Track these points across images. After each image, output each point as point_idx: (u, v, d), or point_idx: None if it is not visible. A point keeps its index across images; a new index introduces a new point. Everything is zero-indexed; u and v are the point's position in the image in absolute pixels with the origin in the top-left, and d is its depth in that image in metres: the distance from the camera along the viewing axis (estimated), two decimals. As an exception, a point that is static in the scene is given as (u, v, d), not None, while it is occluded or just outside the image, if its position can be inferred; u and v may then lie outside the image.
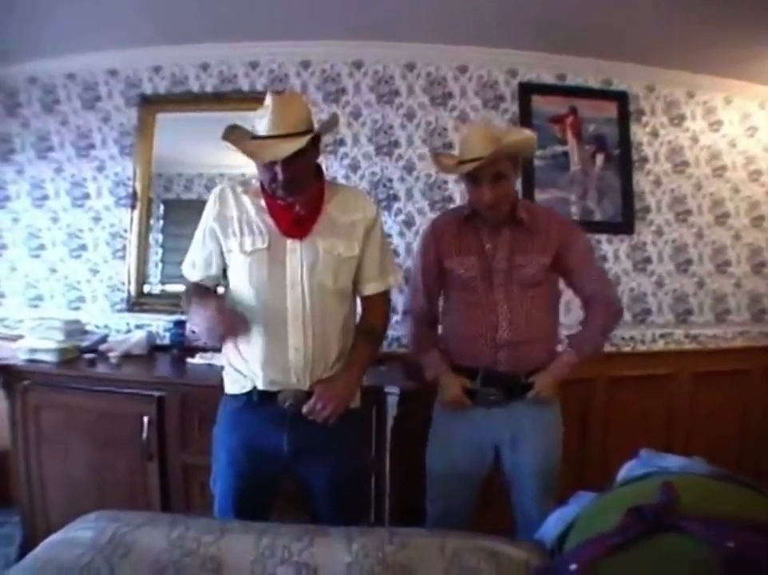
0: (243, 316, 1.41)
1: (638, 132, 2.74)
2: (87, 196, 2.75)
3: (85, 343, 2.44)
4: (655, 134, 2.76)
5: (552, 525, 1.32)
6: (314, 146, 1.39)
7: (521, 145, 1.59)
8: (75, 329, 2.45)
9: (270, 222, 1.42)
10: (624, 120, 2.71)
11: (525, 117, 2.61)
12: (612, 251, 2.68)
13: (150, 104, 2.68)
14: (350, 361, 1.48)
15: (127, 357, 2.33)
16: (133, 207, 2.66)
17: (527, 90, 2.64)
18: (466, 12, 2.28)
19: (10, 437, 2.18)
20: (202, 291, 1.49)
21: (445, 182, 2.61)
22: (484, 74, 2.63)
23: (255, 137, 1.36)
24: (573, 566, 0.95)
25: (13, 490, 2.24)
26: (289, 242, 1.41)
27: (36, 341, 2.27)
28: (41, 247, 2.76)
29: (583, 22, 2.31)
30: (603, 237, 2.67)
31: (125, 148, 2.70)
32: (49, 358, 2.22)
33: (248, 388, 1.45)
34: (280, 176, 1.34)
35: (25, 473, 2.18)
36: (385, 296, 1.57)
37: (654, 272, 2.71)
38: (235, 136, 1.39)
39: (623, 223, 2.68)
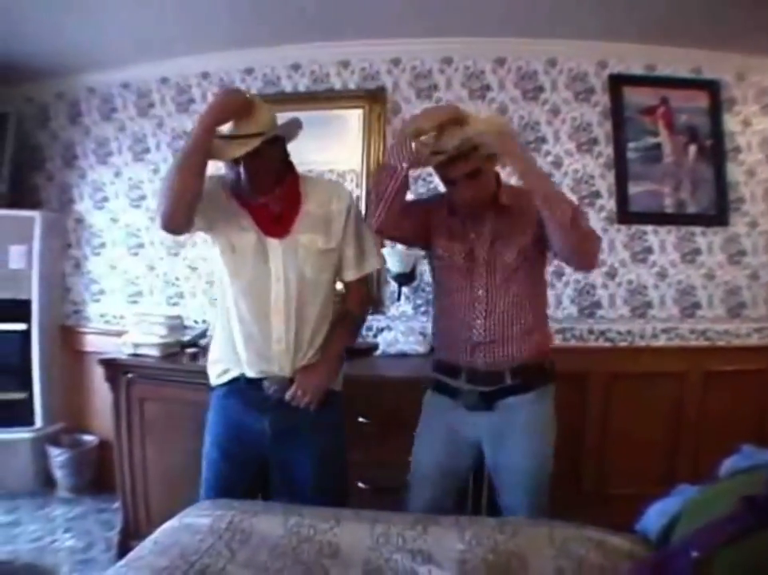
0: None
1: (730, 122, 2.66)
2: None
3: (186, 338, 2.53)
4: (747, 123, 2.67)
5: (654, 517, 1.31)
6: (275, 148, 1.43)
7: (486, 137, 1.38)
8: (176, 325, 2.54)
9: (251, 222, 1.47)
10: (716, 109, 2.64)
11: (617, 109, 2.58)
12: (706, 243, 2.62)
13: (244, 105, 2.74)
14: (327, 348, 1.54)
15: (228, 351, 2.39)
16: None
17: (617, 82, 2.60)
18: (555, 4, 2.26)
19: (114, 428, 2.28)
20: None
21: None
22: (574, 67, 2.61)
23: (220, 137, 1.37)
24: (695, 553, 0.95)
25: (115, 479, 2.32)
26: (270, 241, 1.47)
27: (140, 336, 2.36)
28: (140, 245, 2.87)
29: (672, 11, 2.25)
30: (698, 230, 2.62)
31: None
32: (152, 352, 2.31)
33: (235, 375, 1.53)
34: (243, 177, 1.38)
35: (128, 462, 2.27)
36: (363, 282, 1.61)
37: (748, 265, 2.64)
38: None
39: (717, 215, 2.61)
